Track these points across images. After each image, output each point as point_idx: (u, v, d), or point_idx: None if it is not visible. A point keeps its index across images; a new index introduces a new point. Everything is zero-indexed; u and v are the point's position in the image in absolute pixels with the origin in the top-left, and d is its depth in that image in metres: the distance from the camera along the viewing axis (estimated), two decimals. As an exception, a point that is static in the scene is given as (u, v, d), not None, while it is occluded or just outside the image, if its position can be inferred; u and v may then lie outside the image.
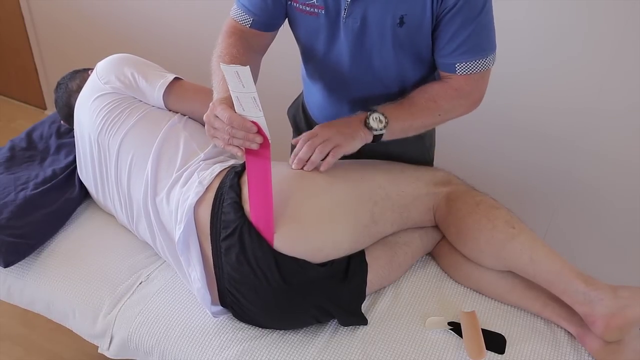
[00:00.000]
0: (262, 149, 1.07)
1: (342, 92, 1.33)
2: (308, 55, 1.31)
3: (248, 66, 0.97)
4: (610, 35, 1.56)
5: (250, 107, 1.02)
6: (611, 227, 1.85)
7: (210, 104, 1.07)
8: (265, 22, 1.24)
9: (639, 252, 1.84)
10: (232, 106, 1.04)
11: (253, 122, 1.03)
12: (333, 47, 1.22)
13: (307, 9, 1.17)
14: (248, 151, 1.08)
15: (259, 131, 1.04)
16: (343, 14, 1.15)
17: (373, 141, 1.18)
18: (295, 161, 1.18)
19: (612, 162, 1.74)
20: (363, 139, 1.17)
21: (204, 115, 1.08)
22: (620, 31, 1.54)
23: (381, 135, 1.17)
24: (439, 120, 1.23)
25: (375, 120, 1.14)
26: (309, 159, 1.17)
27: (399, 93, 1.28)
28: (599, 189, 1.80)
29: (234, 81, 0.99)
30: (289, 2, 1.19)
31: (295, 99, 1.56)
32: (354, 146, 1.17)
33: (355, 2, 1.13)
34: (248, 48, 1.23)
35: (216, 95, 1.12)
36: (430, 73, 1.27)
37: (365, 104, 1.32)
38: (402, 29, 1.14)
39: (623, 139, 1.69)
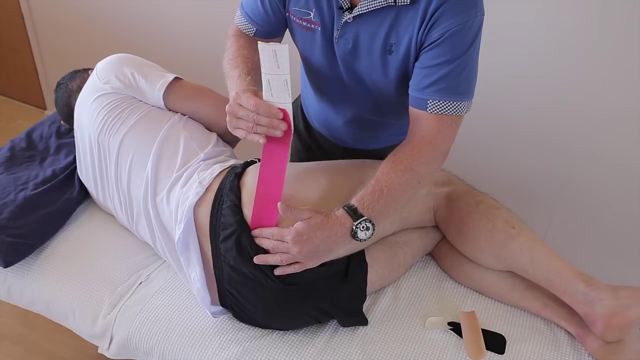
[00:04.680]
0: (284, 136, 1.04)
1: (336, 103, 1.33)
2: (304, 64, 1.31)
3: (287, 45, 0.97)
4: (610, 37, 1.56)
5: (281, 91, 1.00)
6: (610, 227, 1.85)
7: (233, 94, 1.03)
8: (268, 31, 1.24)
9: (638, 253, 1.84)
10: (256, 95, 1.02)
11: (280, 108, 1.01)
12: (328, 63, 1.21)
13: (304, 23, 1.16)
14: (268, 138, 1.04)
15: (285, 118, 1.01)
16: (336, 34, 1.13)
17: None
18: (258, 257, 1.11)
19: (611, 163, 1.74)
20: (343, 248, 1.11)
21: (226, 106, 1.03)
22: (620, 34, 1.54)
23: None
24: (419, 188, 1.13)
25: (363, 231, 1.06)
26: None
27: (396, 107, 1.26)
28: (597, 191, 1.81)
29: (269, 62, 0.98)
30: (287, 14, 1.19)
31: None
32: (323, 261, 1.11)
33: (347, 25, 1.11)
34: (256, 48, 1.23)
35: (233, 89, 1.08)
36: None
37: (359, 116, 1.32)
38: (391, 57, 1.11)
39: (621, 141, 1.69)
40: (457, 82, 1.07)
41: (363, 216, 1.06)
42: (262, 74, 1.01)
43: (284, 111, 1.01)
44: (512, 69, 1.72)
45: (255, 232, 1.12)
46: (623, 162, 1.72)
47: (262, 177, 1.11)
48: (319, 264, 1.11)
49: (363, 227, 1.06)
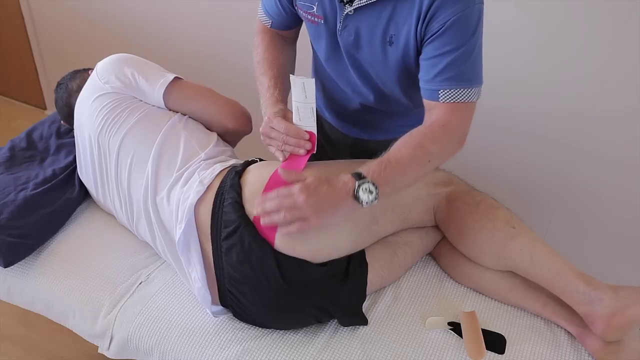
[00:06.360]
0: (306, 153, 1.17)
1: (344, 94, 1.35)
2: (314, 56, 1.37)
3: (314, 79, 1.12)
4: (610, 36, 1.56)
5: (307, 117, 1.16)
6: (611, 227, 1.85)
7: (266, 118, 1.18)
8: (283, 24, 1.33)
9: (638, 253, 1.84)
10: (285, 118, 1.17)
11: (307, 131, 1.16)
12: (333, 54, 1.26)
13: (309, 17, 1.22)
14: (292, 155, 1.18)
15: (311, 139, 1.16)
16: (339, 26, 1.17)
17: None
18: (259, 210, 1.09)
19: (611, 163, 1.74)
20: (347, 211, 1.07)
21: (260, 128, 1.18)
22: (620, 32, 1.54)
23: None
24: (429, 167, 1.13)
25: (365, 192, 1.04)
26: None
27: (400, 98, 1.29)
28: (598, 190, 1.80)
29: (299, 92, 1.14)
30: (296, 8, 1.25)
31: None
32: (328, 223, 1.09)
33: (349, 17, 1.15)
34: (281, 47, 1.35)
35: (265, 107, 1.22)
36: None
37: (366, 106, 1.35)
38: (392, 48, 1.15)
39: (622, 141, 1.69)
40: (465, 69, 1.09)
41: (367, 178, 1.05)
42: (293, 102, 1.17)
43: (310, 133, 1.16)
44: (512, 68, 1.72)
45: (258, 200, 1.10)
46: (623, 162, 1.72)
47: (274, 177, 1.17)
48: (321, 223, 1.07)
49: (365, 188, 1.05)
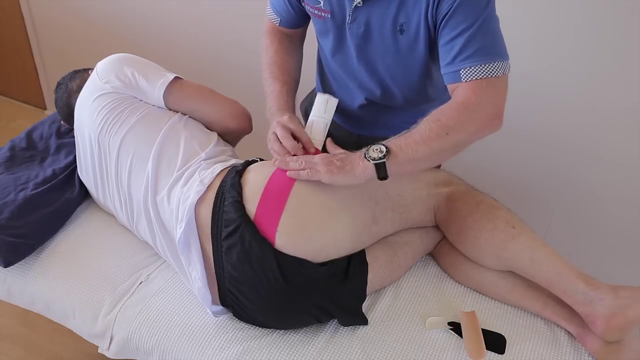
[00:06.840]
0: None
1: (349, 91, 1.36)
2: (321, 53, 1.39)
3: (337, 99, 1.27)
4: (610, 35, 1.56)
5: (319, 131, 1.25)
6: (611, 227, 1.85)
7: (286, 117, 1.23)
8: (291, 22, 1.36)
9: (638, 253, 1.84)
10: (298, 124, 1.23)
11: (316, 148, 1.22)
12: (340, 49, 1.27)
13: (316, 12, 1.24)
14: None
15: (315, 152, 1.21)
16: (348, 19, 1.19)
17: (379, 177, 1.10)
18: (280, 157, 1.20)
19: (612, 163, 1.74)
20: (357, 174, 1.11)
21: (275, 121, 1.23)
22: (619, 30, 1.54)
23: (383, 165, 1.09)
24: (449, 141, 1.09)
25: (375, 151, 1.09)
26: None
27: (407, 95, 1.29)
28: (598, 190, 1.80)
29: (321, 106, 1.26)
30: (303, 4, 1.27)
31: (309, 93, 1.61)
32: (335, 180, 1.12)
33: (358, 9, 1.16)
34: (289, 50, 1.39)
35: (275, 111, 1.27)
36: (441, 81, 1.21)
37: (372, 102, 1.35)
38: (403, 37, 1.16)
39: (622, 140, 1.69)
40: (485, 44, 1.08)
41: (379, 143, 1.10)
42: (311, 115, 1.27)
43: (317, 151, 1.22)
44: (511, 66, 1.72)
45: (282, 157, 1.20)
46: (624, 161, 1.72)
47: (270, 187, 1.17)
48: (328, 178, 1.12)
49: (376, 148, 1.10)
